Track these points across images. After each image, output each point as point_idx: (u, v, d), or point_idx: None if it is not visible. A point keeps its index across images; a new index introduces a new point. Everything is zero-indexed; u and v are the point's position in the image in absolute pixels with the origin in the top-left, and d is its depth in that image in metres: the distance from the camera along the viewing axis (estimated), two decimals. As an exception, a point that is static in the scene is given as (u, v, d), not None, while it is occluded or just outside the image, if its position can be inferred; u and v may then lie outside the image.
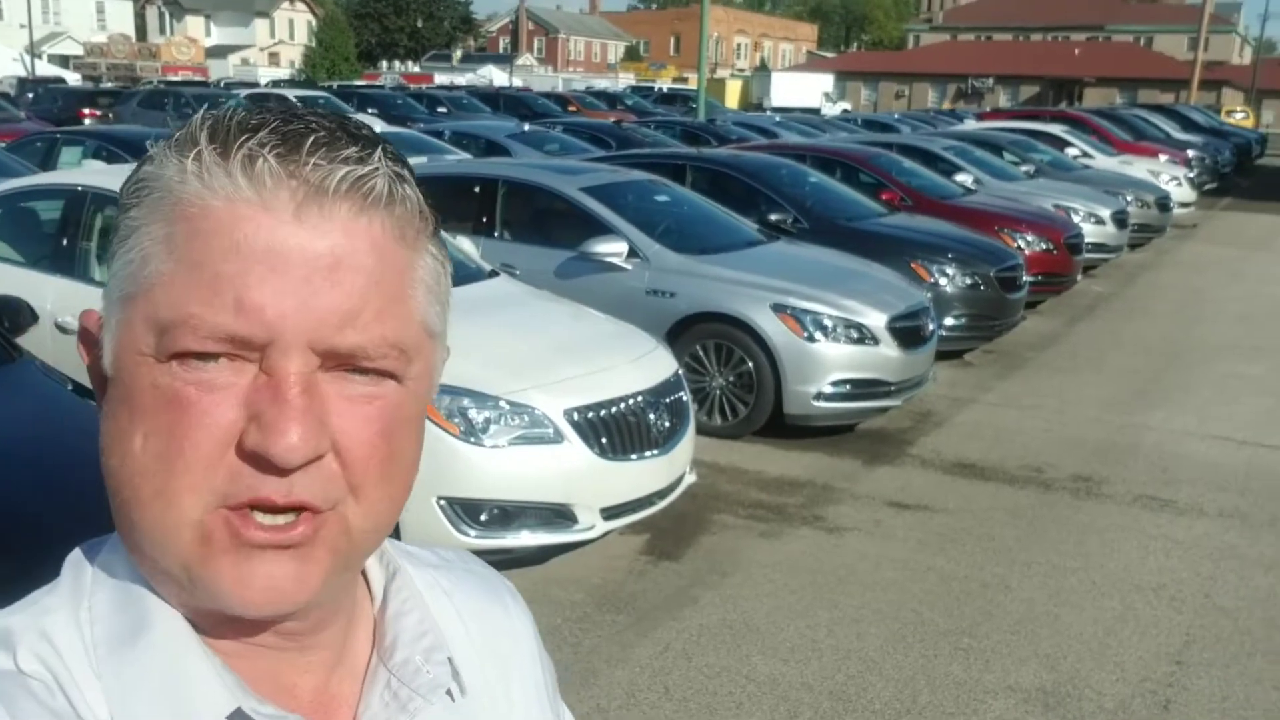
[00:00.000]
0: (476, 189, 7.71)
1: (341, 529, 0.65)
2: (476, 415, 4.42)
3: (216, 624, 0.67)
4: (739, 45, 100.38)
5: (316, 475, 0.63)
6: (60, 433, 3.26)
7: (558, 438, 4.52)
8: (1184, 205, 18.23)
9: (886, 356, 6.66)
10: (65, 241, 5.50)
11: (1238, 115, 47.20)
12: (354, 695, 0.74)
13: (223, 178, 0.62)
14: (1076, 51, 70.48)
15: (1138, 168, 17.93)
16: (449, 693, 0.76)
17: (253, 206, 0.62)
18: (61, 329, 5.21)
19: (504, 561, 4.53)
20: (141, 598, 0.67)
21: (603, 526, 4.64)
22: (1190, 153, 21.82)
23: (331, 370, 0.63)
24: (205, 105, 0.66)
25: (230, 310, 0.61)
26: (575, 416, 4.59)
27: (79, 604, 0.68)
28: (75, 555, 0.71)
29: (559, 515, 4.52)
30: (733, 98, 55.00)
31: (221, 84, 40.73)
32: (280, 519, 0.63)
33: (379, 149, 0.65)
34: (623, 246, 6.92)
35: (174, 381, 0.62)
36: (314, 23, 71.80)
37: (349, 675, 0.74)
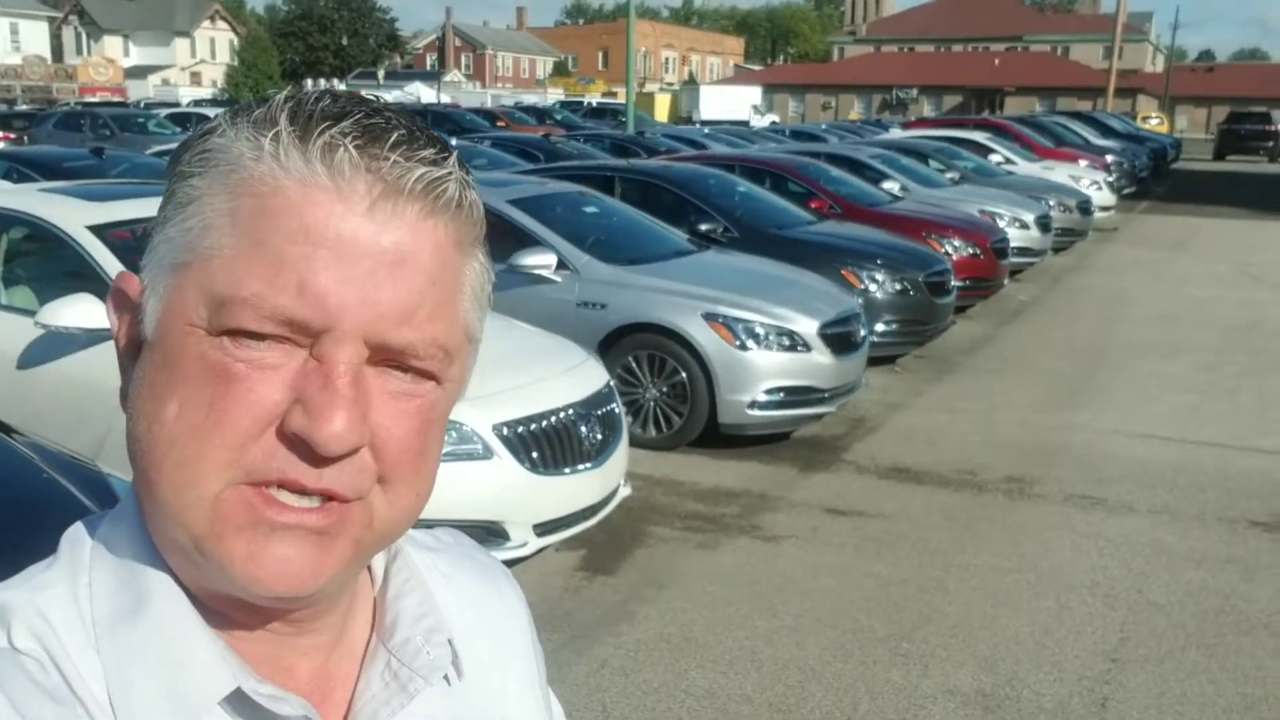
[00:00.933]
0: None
1: (366, 521, 0.65)
2: (403, 433, 4.30)
3: (220, 603, 0.66)
4: (667, 59, 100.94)
5: (348, 466, 0.62)
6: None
7: (487, 453, 4.42)
8: (1104, 209, 18.64)
9: (819, 363, 6.65)
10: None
11: (1153, 121, 48.45)
12: (352, 676, 0.74)
13: (299, 161, 0.62)
14: (996, 61, 72.08)
15: (1059, 173, 18.30)
16: (445, 676, 0.76)
17: (327, 193, 0.62)
18: (-35, 355, 4.98)
19: (435, 582, 4.42)
20: (143, 574, 0.67)
21: (536, 543, 4.55)
22: (1109, 158, 22.33)
23: (377, 365, 0.64)
24: (283, 94, 0.65)
25: (292, 293, 0.60)
26: (505, 431, 4.49)
27: (77, 580, 0.67)
28: (74, 531, 0.70)
29: (490, 533, 4.41)
30: (662, 111, 55.20)
31: (141, 104, 39.93)
32: (306, 501, 0.62)
33: (454, 154, 0.66)
34: (552, 259, 6.84)
35: (223, 356, 0.61)
36: (236, 41, 70.78)
37: (347, 656, 0.74)
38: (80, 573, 0.67)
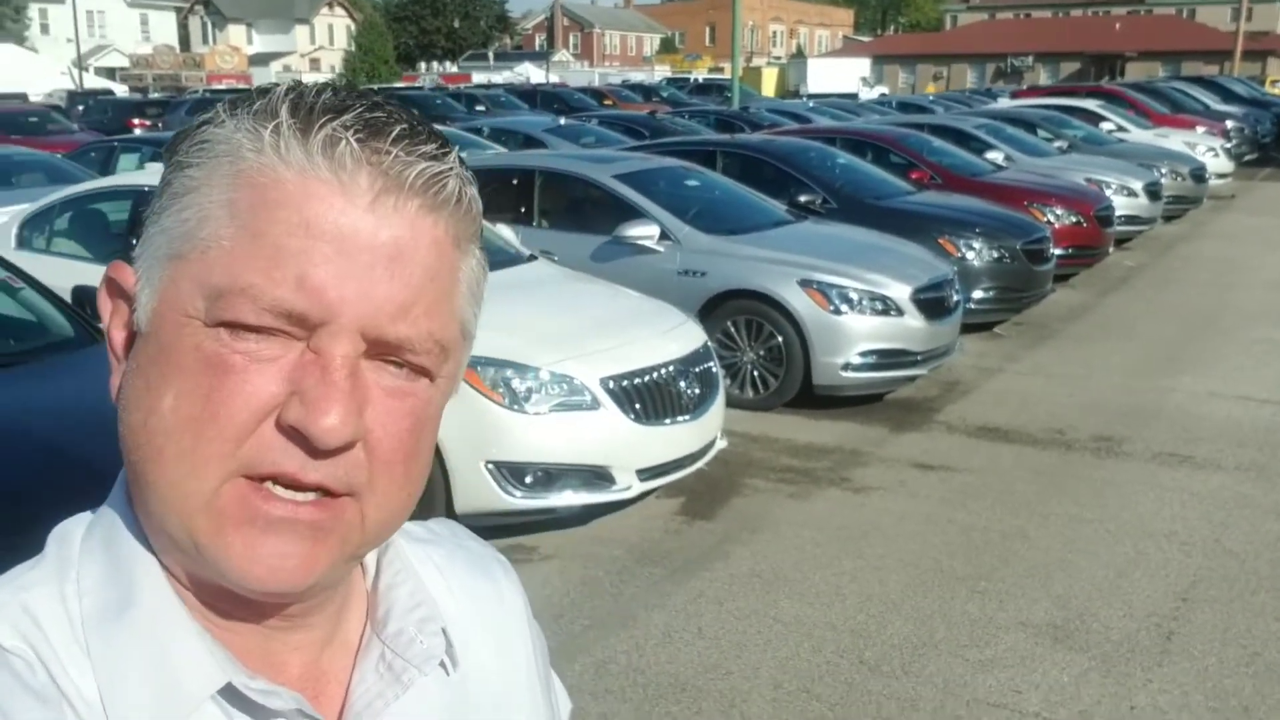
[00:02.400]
0: (514, 180, 8.05)
1: (356, 520, 0.65)
2: (519, 385, 4.75)
3: (212, 598, 0.67)
4: (774, 33, 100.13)
5: (343, 461, 0.63)
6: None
7: (595, 404, 4.85)
8: (1221, 176, 18.19)
9: (911, 327, 6.91)
10: (135, 239, 5.88)
11: (1283, 85, 46.43)
12: (345, 670, 0.74)
13: (300, 153, 0.62)
14: (1117, 26, 69.55)
15: (1173, 140, 17.92)
16: (442, 665, 0.76)
17: (328, 186, 0.62)
18: (133, 319, 5.61)
19: (548, 522, 4.88)
20: (131, 571, 0.67)
21: (639, 487, 4.96)
22: (1228, 124, 21.68)
23: (373, 359, 0.64)
24: (283, 86, 0.66)
25: (290, 285, 0.61)
26: (610, 384, 4.91)
27: (65, 578, 0.67)
28: (60, 530, 0.70)
29: (598, 476, 4.84)
30: (769, 86, 55.00)
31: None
32: (299, 495, 0.63)
33: (454, 149, 0.67)
34: (654, 230, 7.22)
35: (220, 347, 0.61)
36: (353, 27, 72.73)
37: (341, 650, 0.74)
38: (68, 571, 0.67)
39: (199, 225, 0.63)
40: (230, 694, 0.65)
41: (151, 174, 6.72)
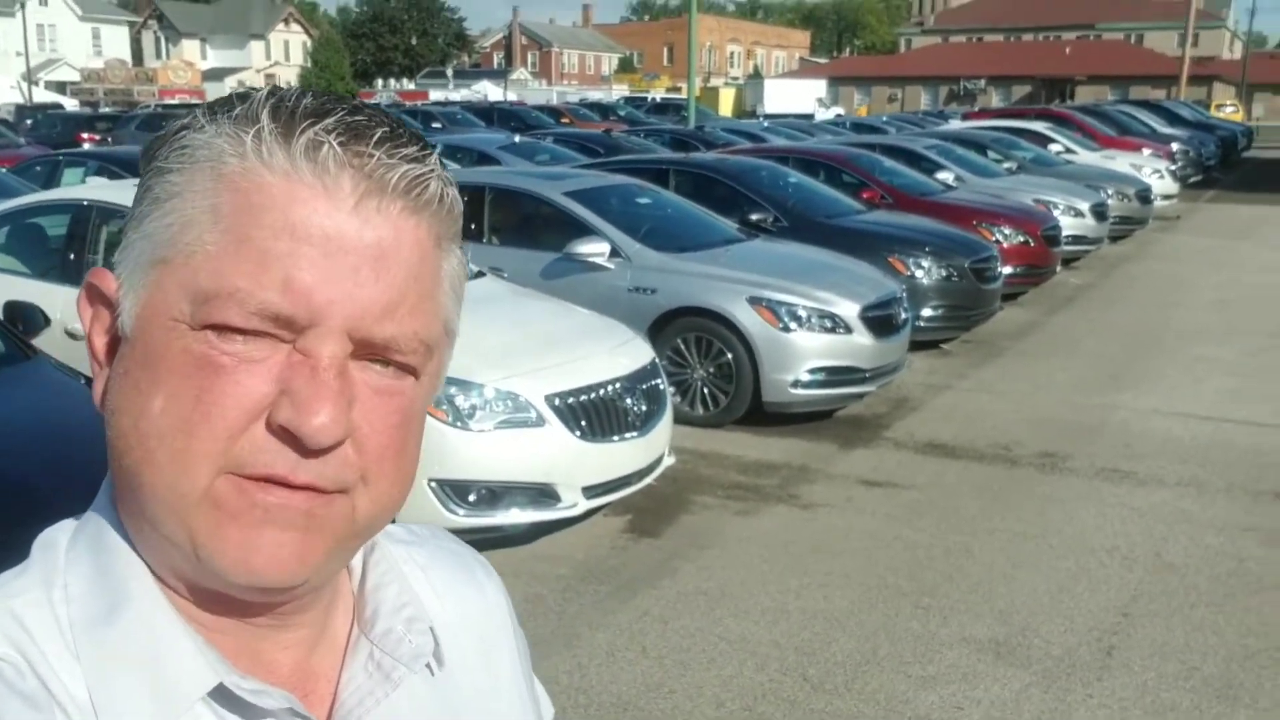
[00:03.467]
0: (464, 197, 7.94)
1: (348, 515, 0.66)
2: (463, 402, 4.71)
3: (202, 600, 0.67)
4: (732, 54, 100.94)
5: (332, 460, 0.63)
6: (72, 419, 3.55)
7: (540, 421, 4.82)
8: (1166, 197, 18.52)
9: (860, 344, 6.95)
10: (73, 254, 5.80)
11: (1227, 109, 47.55)
12: (334, 669, 0.75)
13: (283, 157, 0.63)
14: (1067, 50, 70.92)
15: (1120, 162, 18.23)
16: (428, 666, 0.77)
17: (312, 190, 0.62)
18: (72, 335, 5.50)
19: (494, 540, 4.84)
20: (119, 575, 0.67)
21: (585, 504, 4.93)
22: (1174, 146, 22.14)
23: (359, 359, 0.65)
24: (263, 91, 0.67)
25: (277, 288, 0.61)
26: (556, 401, 4.88)
27: (51, 584, 0.67)
28: (45, 536, 0.71)
29: (543, 494, 4.81)
30: (726, 106, 55.35)
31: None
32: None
33: (434, 152, 0.67)
34: (605, 247, 7.22)
35: (208, 350, 0.62)
36: (309, 43, 72.42)
37: (329, 650, 0.75)
38: (54, 576, 0.67)
39: (183, 230, 0.63)
40: (221, 695, 0.66)
41: (91, 189, 6.63)
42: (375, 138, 0.64)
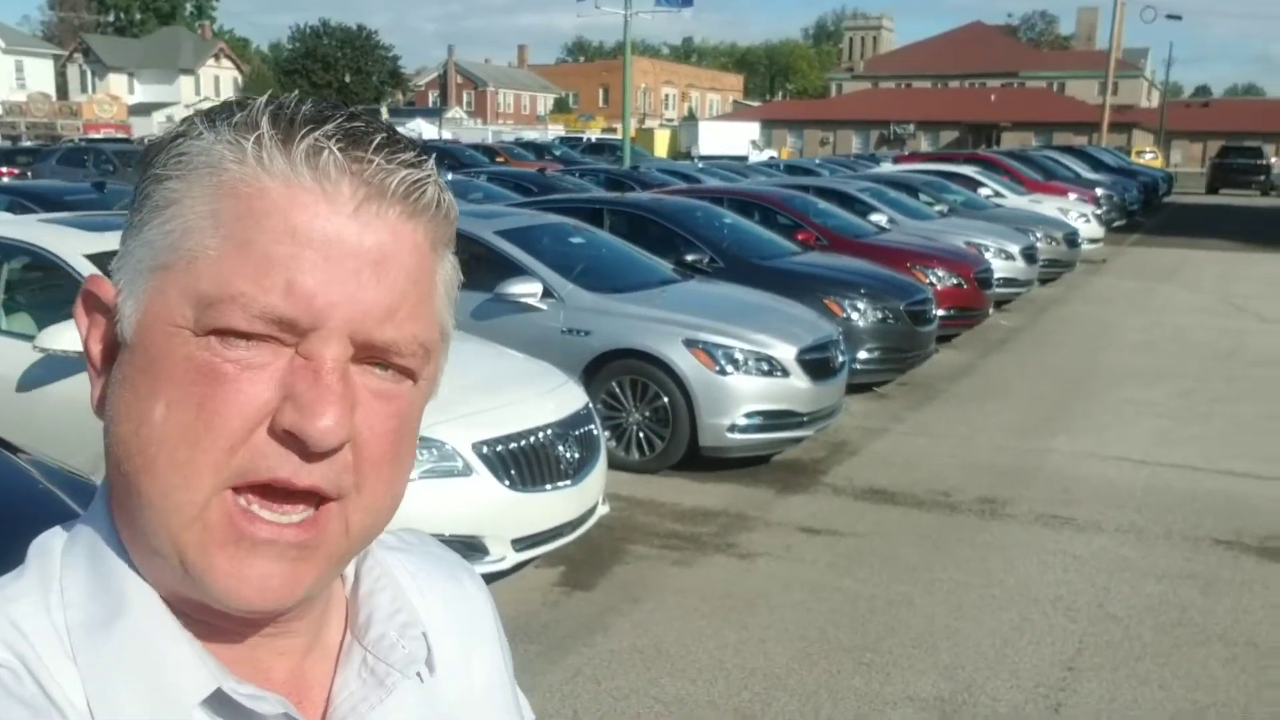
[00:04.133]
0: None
1: (341, 530, 0.66)
2: (385, 451, 4.47)
3: (196, 610, 0.67)
4: (667, 95, 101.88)
5: (333, 464, 0.64)
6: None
7: (466, 470, 4.60)
8: (1092, 241, 18.88)
9: (797, 388, 6.83)
10: (-25, 290, 5.47)
11: (1147, 155, 48.97)
12: (327, 675, 0.75)
13: (283, 163, 0.63)
14: (993, 98, 72.76)
15: (1047, 206, 18.56)
16: (419, 672, 0.77)
17: (313, 195, 0.63)
18: (-33, 378, 5.18)
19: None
20: (116, 580, 0.67)
21: (514, 558, 4.71)
22: (1099, 191, 22.60)
23: (360, 363, 0.65)
24: (262, 99, 0.67)
25: (280, 292, 0.62)
26: (484, 449, 4.67)
27: (48, 589, 0.67)
28: (41, 541, 0.71)
29: (470, 548, 4.57)
30: (662, 147, 55.72)
31: (145, 141, 40.34)
32: (283, 517, 0.64)
33: (431, 158, 0.69)
34: (537, 287, 7.04)
35: (211, 356, 0.62)
36: (240, 80, 71.59)
37: (323, 656, 0.75)
38: (51, 582, 0.67)
39: (184, 236, 0.64)
40: (219, 700, 0.65)
41: (-4, 223, 6.28)
42: (374, 143, 0.65)
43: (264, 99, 0.67)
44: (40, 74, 66.47)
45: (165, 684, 0.65)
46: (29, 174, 23.46)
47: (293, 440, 0.62)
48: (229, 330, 0.62)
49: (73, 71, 71.69)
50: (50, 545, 0.70)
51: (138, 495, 0.64)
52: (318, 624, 0.75)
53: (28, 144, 35.43)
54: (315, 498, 0.65)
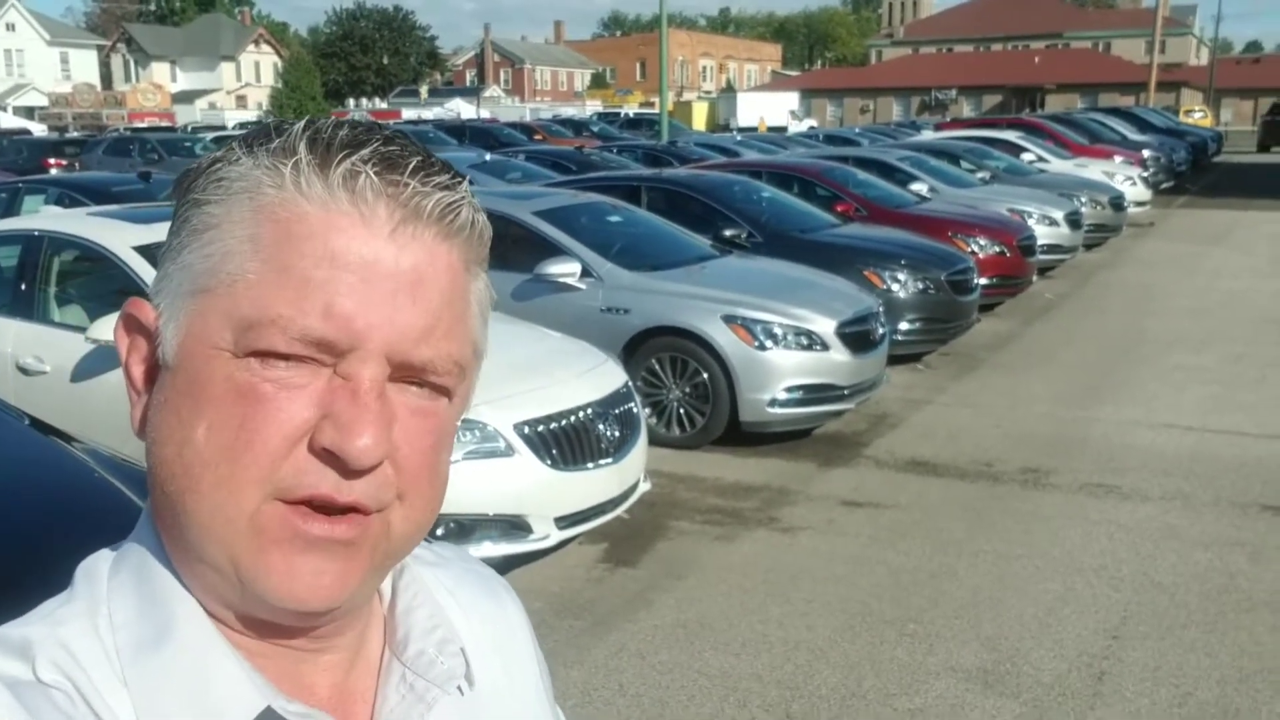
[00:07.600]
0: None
1: (384, 533, 0.68)
2: (429, 433, 4.54)
3: (243, 624, 0.69)
4: (704, 68, 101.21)
5: (374, 479, 0.65)
6: (12, 462, 3.38)
7: (509, 451, 4.66)
8: (1139, 204, 18.57)
9: (837, 361, 6.83)
10: (24, 285, 5.61)
11: (1196, 115, 47.90)
12: (370, 691, 0.76)
13: (320, 188, 0.65)
14: (1036, 60, 71.50)
15: (1092, 170, 18.26)
16: (459, 687, 0.78)
17: (350, 219, 0.64)
18: (23, 370, 5.32)
19: (462, 574, 4.65)
20: (164, 601, 0.68)
21: (557, 535, 4.78)
22: (1145, 153, 22.19)
23: (397, 381, 0.66)
24: (299, 124, 0.68)
25: (319, 315, 0.63)
26: (526, 430, 4.73)
27: (96, 612, 0.68)
28: (87, 565, 0.72)
29: (514, 526, 4.65)
30: (700, 119, 55.48)
31: (188, 128, 40.87)
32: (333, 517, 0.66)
33: (465, 179, 0.70)
34: (576, 267, 7.08)
35: (251, 377, 0.63)
36: (280, 64, 72.05)
37: (365, 672, 0.76)
38: (99, 605, 0.69)
39: (223, 260, 0.65)
40: (268, 718, 0.66)
41: (45, 219, 6.42)
42: (410, 167, 0.66)
43: (301, 124, 0.68)
44: (84, 65, 67.42)
45: (215, 703, 0.65)
46: (76, 165, 23.83)
47: (332, 458, 0.64)
48: (269, 352, 0.63)
49: (116, 61, 72.64)
50: (96, 569, 0.71)
51: (184, 514, 0.65)
52: (359, 639, 0.76)
53: (74, 135, 35.94)
54: (357, 515, 0.66)
